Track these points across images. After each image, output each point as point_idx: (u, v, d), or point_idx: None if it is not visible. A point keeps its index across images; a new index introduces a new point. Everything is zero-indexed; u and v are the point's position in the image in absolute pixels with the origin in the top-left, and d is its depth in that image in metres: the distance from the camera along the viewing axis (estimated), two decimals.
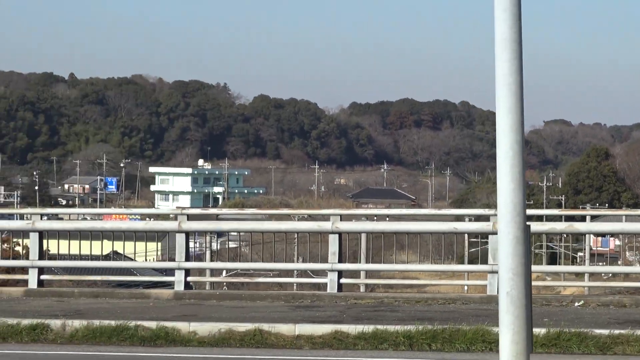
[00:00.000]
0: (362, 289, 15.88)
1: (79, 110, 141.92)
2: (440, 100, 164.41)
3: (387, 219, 16.06)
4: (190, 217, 13.72)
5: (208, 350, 9.47)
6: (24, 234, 15.28)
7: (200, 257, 25.81)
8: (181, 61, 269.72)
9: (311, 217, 16.28)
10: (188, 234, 13.50)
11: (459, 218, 15.69)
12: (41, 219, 14.06)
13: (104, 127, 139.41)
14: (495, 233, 12.56)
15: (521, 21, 4.21)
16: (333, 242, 12.60)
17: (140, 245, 21.65)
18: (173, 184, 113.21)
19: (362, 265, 14.65)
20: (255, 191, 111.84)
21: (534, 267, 18.06)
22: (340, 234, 12.64)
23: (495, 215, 13.37)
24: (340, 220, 12.67)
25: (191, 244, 15.67)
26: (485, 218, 14.21)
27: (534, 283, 14.78)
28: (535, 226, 13.22)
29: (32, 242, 13.78)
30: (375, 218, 16.12)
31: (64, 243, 14.40)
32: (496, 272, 12.66)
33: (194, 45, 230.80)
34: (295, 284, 14.38)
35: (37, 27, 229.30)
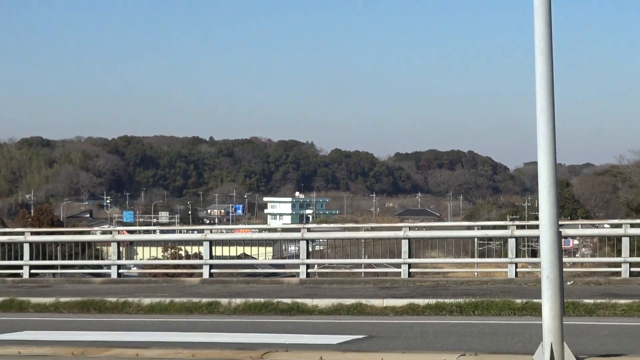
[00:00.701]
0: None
1: (216, 160, 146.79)
2: (455, 150, 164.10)
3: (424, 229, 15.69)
4: (310, 230, 13.66)
5: (325, 317, 9.28)
6: (194, 242, 15.32)
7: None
8: (283, 126, 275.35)
9: (377, 229, 16.08)
10: (308, 241, 13.36)
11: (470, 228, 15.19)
12: (211, 232, 14.14)
13: (233, 172, 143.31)
14: (514, 237, 12.27)
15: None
16: (404, 244, 12.41)
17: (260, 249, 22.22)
18: (279, 208, 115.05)
19: (426, 260, 14.66)
20: (333, 212, 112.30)
21: (522, 259, 17.50)
22: (409, 239, 12.44)
23: (513, 225, 13.18)
24: (409, 230, 12.43)
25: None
26: (504, 227, 13.97)
27: (521, 269, 14.44)
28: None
29: (204, 247, 13.65)
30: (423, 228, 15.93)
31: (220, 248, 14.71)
32: (514, 262, 12.72)
33: (291, 116, 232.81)
34: (378, 273, 14.07)
35: (189, 101, 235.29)
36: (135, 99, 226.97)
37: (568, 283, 10.78)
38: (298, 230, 13.52)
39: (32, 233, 15.09)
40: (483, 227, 14.95)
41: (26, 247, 14.15)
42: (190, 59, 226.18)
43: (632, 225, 11.89)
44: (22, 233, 15.03)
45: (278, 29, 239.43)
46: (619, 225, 12.62)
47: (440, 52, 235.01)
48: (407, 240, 12.29)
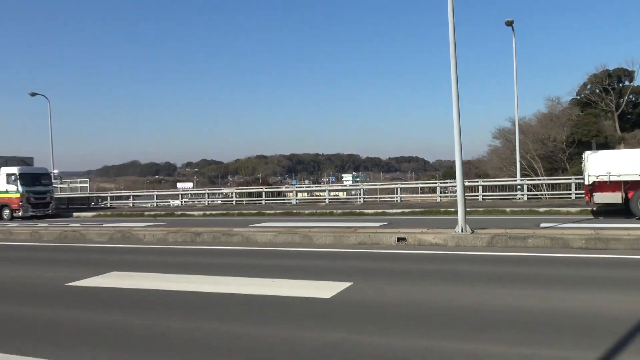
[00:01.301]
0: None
1: None
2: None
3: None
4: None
5: (372, 217, 25.24)
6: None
7: None
8: None
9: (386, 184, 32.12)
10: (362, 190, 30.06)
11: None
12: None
13: None
14: (439, 186, 28.90)
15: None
16: (398, 190, 29.29)
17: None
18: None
19: (406, 195, 31.40)
20: None
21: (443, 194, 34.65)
22: (400, 188, 29.41)
23: (439, 181, 29.49)
24: (401, 184, 29.14)
25: None
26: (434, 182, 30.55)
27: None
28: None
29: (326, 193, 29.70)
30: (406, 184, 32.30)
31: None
32: (440, 195, 29.15)
33: None
34: (388, 200, 30.73)
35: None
36: None
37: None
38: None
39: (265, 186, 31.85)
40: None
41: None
42: None
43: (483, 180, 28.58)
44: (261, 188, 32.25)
45: None
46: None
47: None
48: (399, 188, 28.67)
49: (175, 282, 8.79)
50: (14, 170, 28.50)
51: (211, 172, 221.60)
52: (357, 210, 25.17)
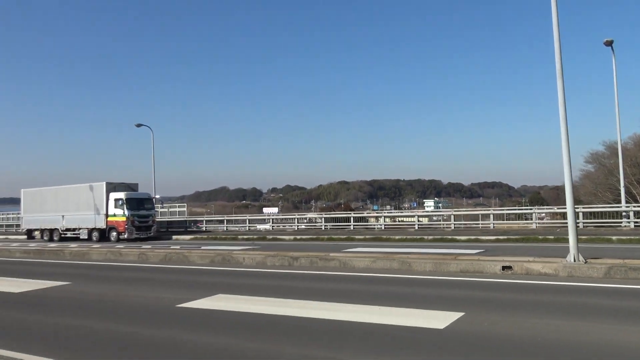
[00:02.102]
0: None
1: None
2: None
3: None
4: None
5: (465, 242, 24.36)
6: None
7: None
8: None
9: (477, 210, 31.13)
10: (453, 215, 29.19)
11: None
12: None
13: None
14: (535, 212, 27.42)
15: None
16: (491, 216, 28.08)
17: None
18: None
19: (499, 221, 30.06)
20: None
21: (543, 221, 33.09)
22: (493, 214, 28.14)
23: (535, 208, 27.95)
24: (493, 210, 27.93)
25: None
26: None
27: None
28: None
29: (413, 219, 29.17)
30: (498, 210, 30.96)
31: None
32: (539, 222, 27.71)
33: None
34: (480, 227, 29.55)
35: None
36: None
37: None
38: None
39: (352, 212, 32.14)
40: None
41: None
42: None
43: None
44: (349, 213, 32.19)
45: None
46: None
47: None
48: (492, 214, 27.56)
49: (281, 307, 8.74)
50: (121, 195, 30.31)
51: (295, 198, 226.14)
52: (449, 237, 24.33)
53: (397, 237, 25.11)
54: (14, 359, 6.22)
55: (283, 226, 36.38)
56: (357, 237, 26.26)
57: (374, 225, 32.67)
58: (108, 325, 8.00)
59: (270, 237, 27.97)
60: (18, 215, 47.09)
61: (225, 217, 38.11)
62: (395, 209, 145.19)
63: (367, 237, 26.03)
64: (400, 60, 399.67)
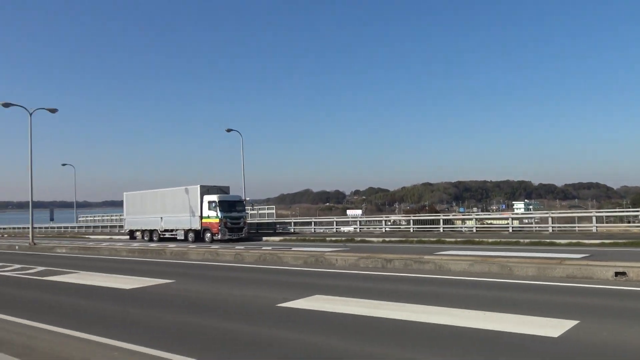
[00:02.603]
0: None
1: None
2: None
3: None
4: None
5: (565, 247, 22.51)
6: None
7: None
8: None
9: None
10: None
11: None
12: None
13: None
14: None
15: None
16: (594, 219, 26.15)
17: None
18: None
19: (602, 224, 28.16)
20: None
21: None
22: (596, 216, 26.22)
23: None
24: (596, 212, 25.87)
25: None
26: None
27: None
28: None
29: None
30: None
31: None
32: None
33: None
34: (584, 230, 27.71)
35: None
36: None
37: None
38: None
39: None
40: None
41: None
42: None
43: None
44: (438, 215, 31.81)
45: None
46: None
47: None
48: (594, 216, 25.75)
49: (379, 309, 8.64)
50: (214, 198, 31.52)
51: (378, 200, 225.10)
52: (547, 240, 23.07)
53: (490, 240, 24.18)
54: (142, 354, 6.56)
55: (367, 228, 36.20)
56: (447, 239, 25.59)
57: (462, 227, 31.69)
58: (213, 322, 8.28)
59: (358, 239, 27.94)
60: (120, 217, 50.54)
61: (313, 219, 38.59)
62: (482, 211, 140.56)
63: (458, 239, 25.28)
64: (486, 55, 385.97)
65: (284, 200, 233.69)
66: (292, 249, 21.20)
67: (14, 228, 66.30)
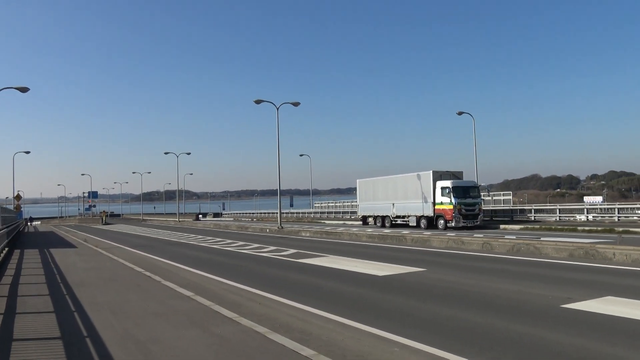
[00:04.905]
0: None
1: None
2: None
3: None
4: None
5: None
6: None
7: None
8: None
9: None
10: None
11: None
12: None
13: None
14: None
15: None
16: None
17: None
18: None
19: None
20: None
21: None
22: None
23: None
24: None
25: None
26: None
27: None
28: None
29: None
30: None
31: None
32: None
33: None
34: None
35: None
36: None
37: None
38: None
39: None
40: None
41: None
42: None
43: None
44: None
45: None
46: None
47: None
48: None
49: None
50: (448, 183, 30.27)
51: (621, 185, 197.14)
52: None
53: None
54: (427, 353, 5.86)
55: (609, 217, 31.04)
56: None
57: None
58: (487, 319, 7.37)
59: (620, 229, 23.81)
60: (351, 203, 52.62)
61: (558, 206, 34.61)
62: None
63: None
64: None
65: (508, 187, 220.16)
66: (540, 239, 18.80)
67: (260, 213, 74.55)
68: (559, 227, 26.97)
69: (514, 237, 20.14)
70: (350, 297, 9.57)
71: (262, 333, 6.46)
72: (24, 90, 27.24)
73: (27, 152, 53.95)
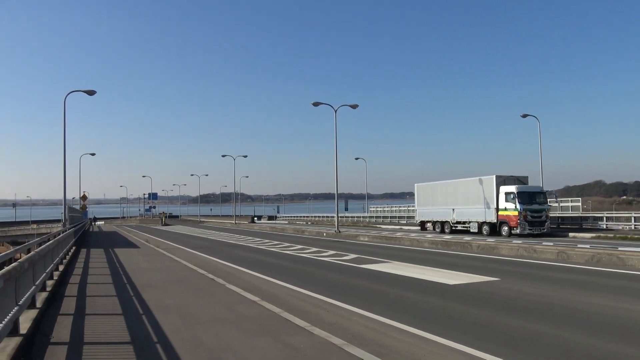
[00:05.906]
0: None
1: None
2: None
3: None
4: None
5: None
6: None
7: None
8: None
9: None
10: None
11: None
12: None
13: None
14: None
15: None
16: None
17: None
18: None
19: None
20: None
21: None
22: None
23: None
24: None
25: None
26: None
27: None
28: None
29: None
30: None
31: None
32: None
33: None
34: None
35: None
36: None
37: None
38: None
39: None
40: None
41: None
42: None
43: None
44: None
45: None
46: None
47: None
48: None
49: None
50: (512, 189, 28.91)
51: None
52: None
53: None
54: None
55: None
56: None
57: None
58: (577, 336, 6.58)
59: None
60: (408, 208, 51.55)
61: (633, 214, 32.43)
62: None
63: None
64: None
65: (570, 193, 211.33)
66: (620, 249, 17.50)
67: (314, 216, 74.43)
68: (636, 236, 25.19)
69: (589, 247, 18.87)
70: (423, 306, 9.03)
71: (338, 345, 6.04)
72: (91, 93, 28.24)
73: (93, 154, 55.55)
